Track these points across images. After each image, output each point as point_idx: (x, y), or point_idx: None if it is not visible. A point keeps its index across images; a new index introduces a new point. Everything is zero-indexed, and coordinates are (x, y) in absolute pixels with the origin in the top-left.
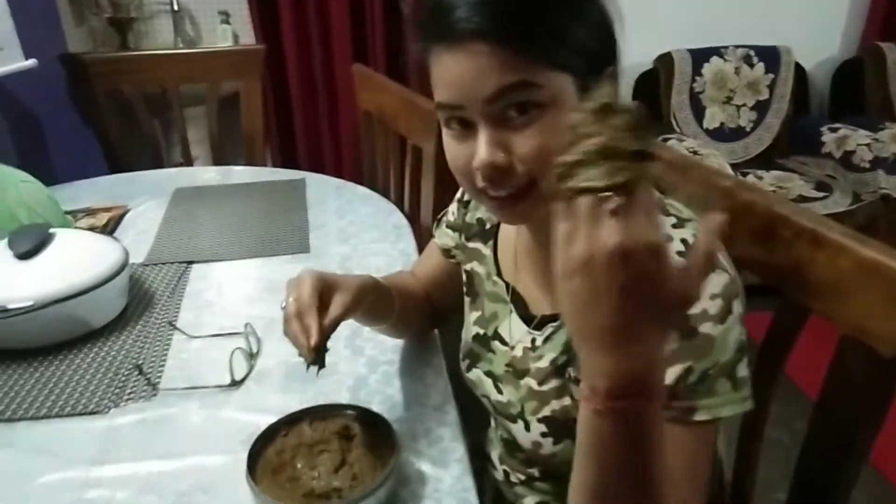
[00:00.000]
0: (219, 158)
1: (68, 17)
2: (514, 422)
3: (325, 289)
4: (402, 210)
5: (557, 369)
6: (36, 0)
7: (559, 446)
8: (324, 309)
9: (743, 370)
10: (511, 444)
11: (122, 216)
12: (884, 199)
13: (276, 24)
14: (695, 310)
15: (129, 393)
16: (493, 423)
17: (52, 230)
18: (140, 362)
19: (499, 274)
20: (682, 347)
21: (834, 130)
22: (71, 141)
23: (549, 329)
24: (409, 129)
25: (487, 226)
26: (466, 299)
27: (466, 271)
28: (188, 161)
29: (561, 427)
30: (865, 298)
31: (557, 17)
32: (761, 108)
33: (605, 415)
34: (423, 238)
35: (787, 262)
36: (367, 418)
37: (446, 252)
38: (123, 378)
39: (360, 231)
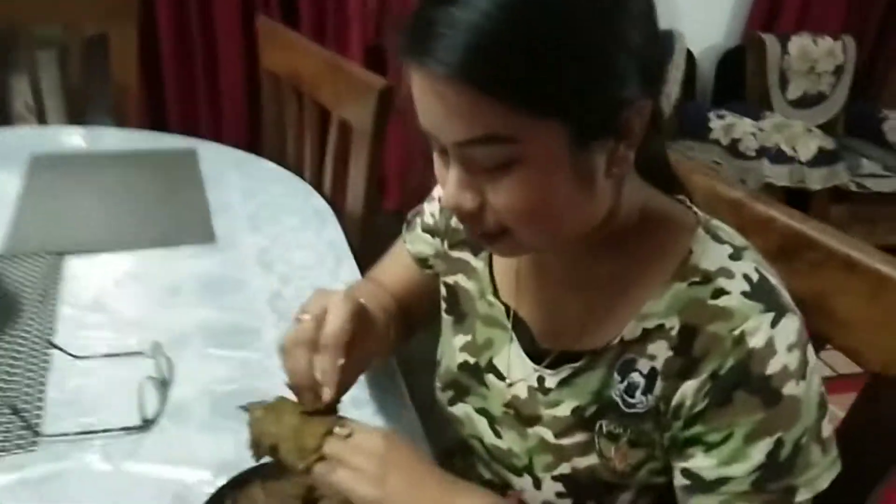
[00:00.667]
0: (77, 115)
1: None
2: (519, 475)
3: (360, 327)
4: (320, 193)
5: (583, 421)
6: None
7: None
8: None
9: (827, 428)
10: (499, 492)
11: None
12: (768, 187)
13: None
14: (772, 368)
15: (1, 442)
16: (467, 458)
17: None
18: (12, 397)
19: (495, 293)
20: (763, 416)
21: (721, 117)
22: None
23: (566, 370)
24: (336, 101)
25: None
26: (447, 318)
27: (448, 285)
28: (41, 118)
29: (584, 488)
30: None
31: (543, 45)
32: None
33: None
34: (349, 230)
35: (810, 291)
36: None
37: (422, 261)
38: None
39: (274, 216)
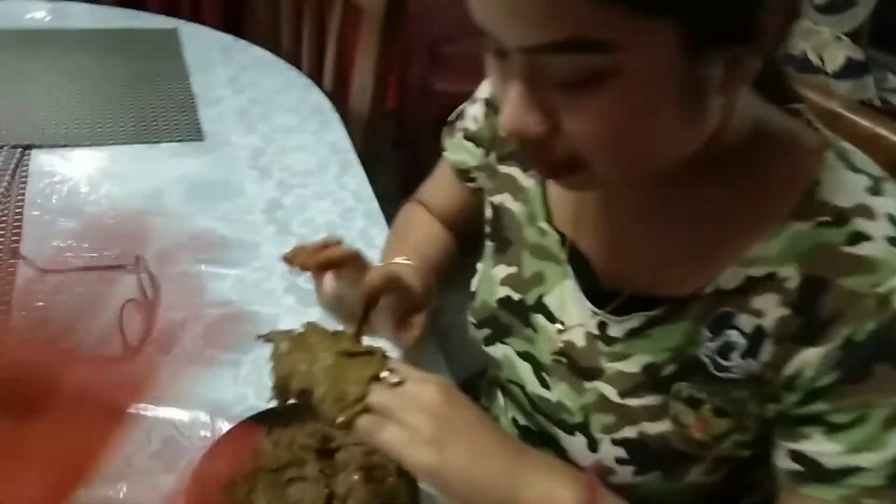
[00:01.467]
0: None
1: None
2: (570, 433)
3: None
4: (319, 87)
5: (656, 381)
6: None
7: (641, 477)
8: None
9: None
10: (539, 442)
11: None
12: None
13: None
14: None
15: None
16: (503, 400)
17: None
18: None
19: (548, 219)
20: None
21: None
22: None
23: (637, 319)
24: None
25: None
26: (489, 244)
27: (494, 205)
28: None
29: (650, 457)
30: None
31: None
32: None
33: None
34: (353, 132)
35: None
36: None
37: (463, 173)
38: None
39: (268, 113)
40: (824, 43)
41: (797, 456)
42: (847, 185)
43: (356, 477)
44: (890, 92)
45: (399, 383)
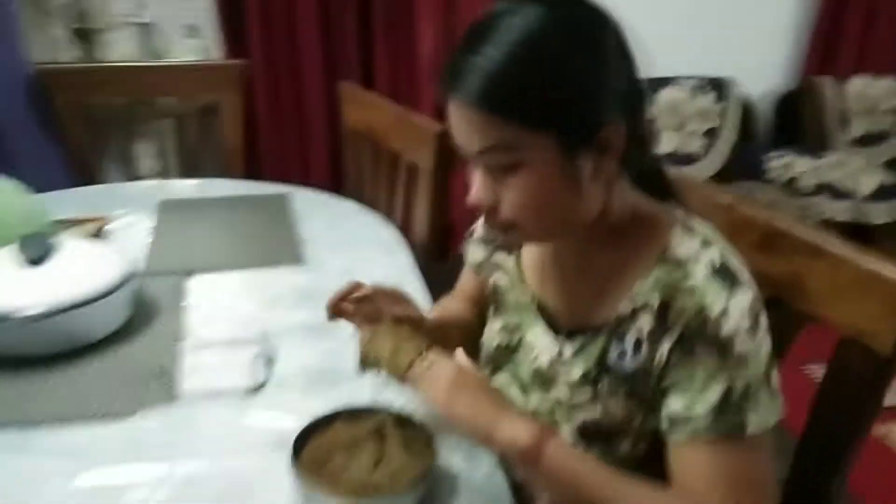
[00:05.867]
0: (192, 174)
1: (30, 26)
2: None
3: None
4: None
5: (589, 381)
6: None
7: (590, 451)
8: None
9: (775, 379)
10: None
11: (102, 228)
12: (825, 223)
13: (244, 41)
14: (726, 329)
15: (150, 399)
16: None
17: (57, 237)
18: (158, 367)
19: (523, 283)
20: (721, 367)
21: (779, 157)
22: (33, 154)
23: (578, 341)
24: (404, 146)
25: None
26: (491, 310)
27: (494, 284)
28: (164, 174)
29: (592, 434)
30: (864, 304)
31: (535, 81)
32: (711, 135)
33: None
34: (418, 256)
35: (787, 273)
36: (399, 418)
37: (477, 267)
38: (142, 384)
39: (353, 243)
40: (856, 171)
41: (665, 418)
42: (686, 244)
43: (396, 449)
44: None
45: (429, 366)
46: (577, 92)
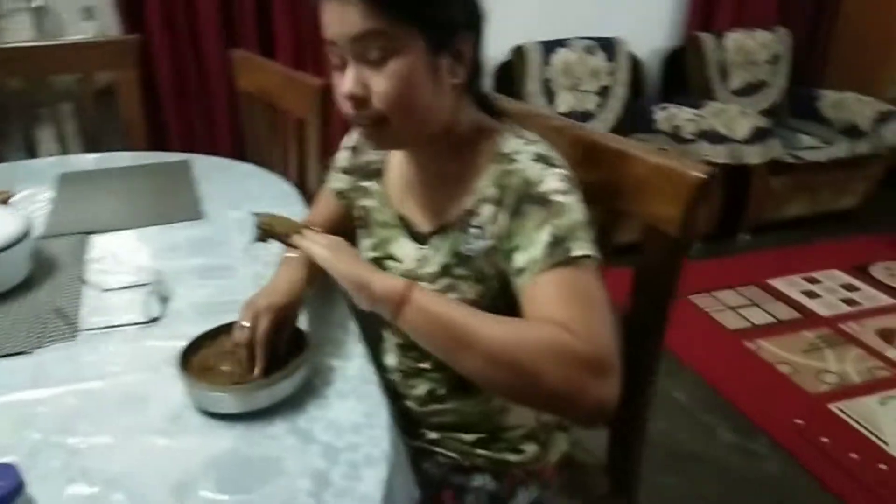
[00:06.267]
0: (93, 151)
1: None
2: None
3: (280, 322)
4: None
5: (446, 271)
6: None
7: None
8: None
9: (590, 234)
10: (406, 347)
11: (6, 200)
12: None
13: (141, 20)
14: (544, 187)
15: (50, 335)
16: (386, 334)
17: None
18: (59, 308)
19: (387, 205)
20: (542, 214)
21: (664, 109)
22: None
23: (435, 241)
24: (292, 105)
25: (374, 167)
26: (360, 231)
27: (360, 206)
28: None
29: None
30: (657, 194)
31: None
32: (605, 93)
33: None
34: (310, 206)
35: (604, 179)
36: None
37: (340, 194)
38: (41, 324)
39: (250, 199)
40: (732, 118)
41: (514, 272)
42: (512, 143)
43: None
44: (803, 149)
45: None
46: None
